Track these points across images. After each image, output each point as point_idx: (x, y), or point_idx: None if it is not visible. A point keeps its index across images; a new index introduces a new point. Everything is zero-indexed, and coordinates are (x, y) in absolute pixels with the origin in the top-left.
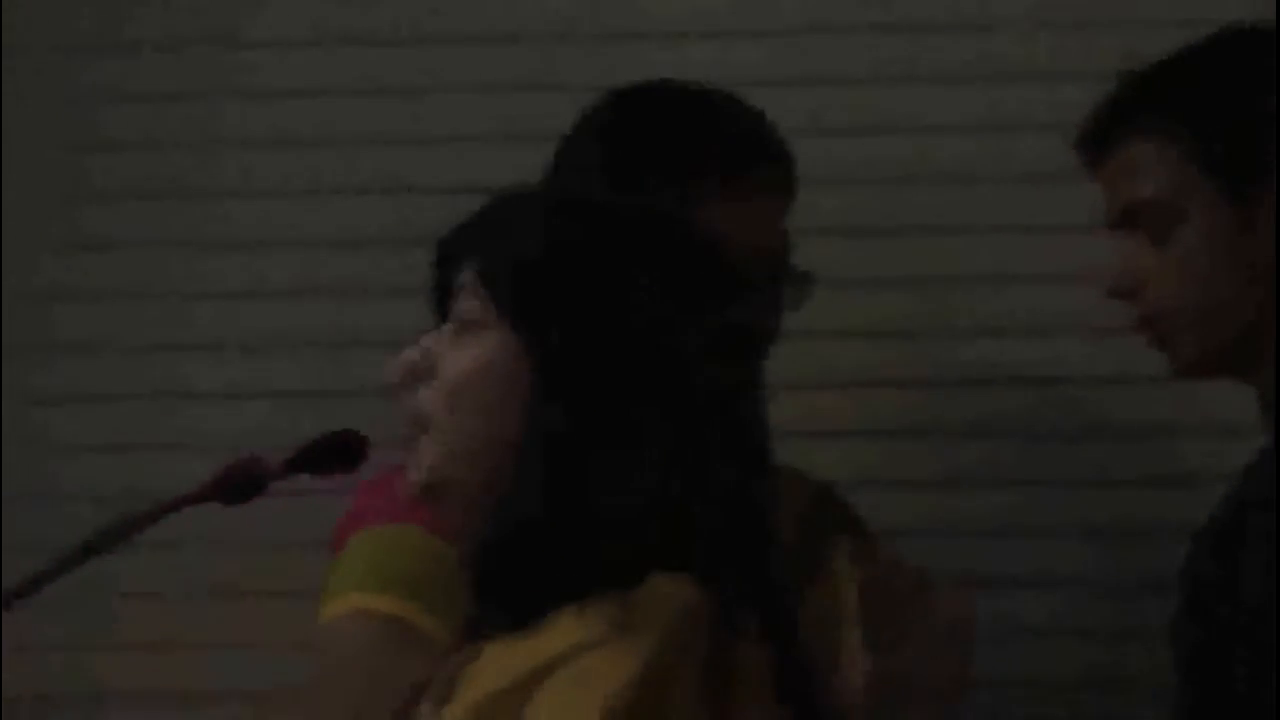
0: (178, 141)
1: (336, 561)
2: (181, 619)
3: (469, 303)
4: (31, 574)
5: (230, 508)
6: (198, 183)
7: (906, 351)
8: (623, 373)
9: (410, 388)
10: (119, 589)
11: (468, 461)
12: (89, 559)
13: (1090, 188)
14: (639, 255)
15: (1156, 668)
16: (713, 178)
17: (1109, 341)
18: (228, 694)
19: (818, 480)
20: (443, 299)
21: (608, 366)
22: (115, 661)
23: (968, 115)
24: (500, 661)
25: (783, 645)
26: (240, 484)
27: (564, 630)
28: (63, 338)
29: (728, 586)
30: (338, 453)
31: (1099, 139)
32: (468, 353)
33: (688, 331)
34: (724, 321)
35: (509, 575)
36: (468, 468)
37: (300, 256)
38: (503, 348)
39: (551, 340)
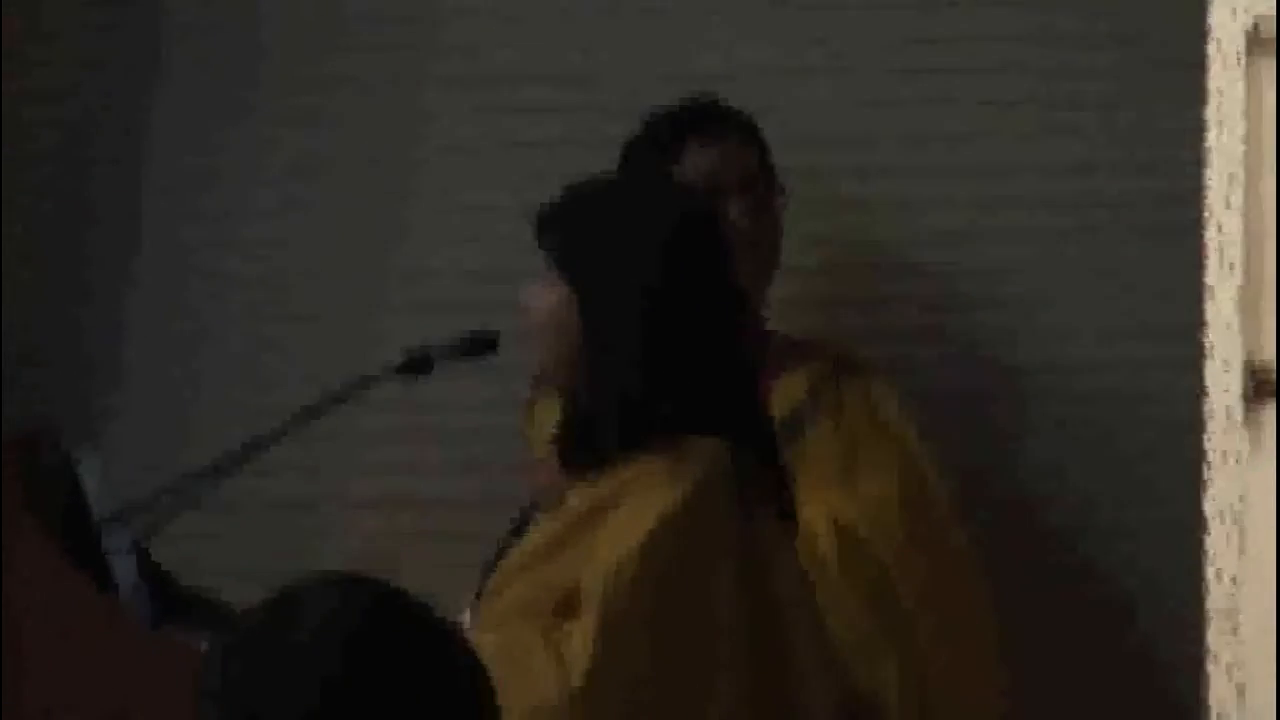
0: None
1: None
2: None
3: (546, 264)
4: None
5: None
6: None
7: None
8: (634, 309)
9: (522, 314)
10: None
11: (554, 366)
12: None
13: None
14: (643, 237)
15: None
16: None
17: None
18: None
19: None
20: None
21: (625, 295)
22: None
23: None
24: (583, 494)
25: (777, 471)
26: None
27: (627, 473)
28: None
29: (740, 441)
30: (482, 343)
31: None
32: (542, 300)
33: (678, 267)
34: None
35: (585, 436)
36: (555, 370)
37: None
38: (560, 298)
39: (589, 287)
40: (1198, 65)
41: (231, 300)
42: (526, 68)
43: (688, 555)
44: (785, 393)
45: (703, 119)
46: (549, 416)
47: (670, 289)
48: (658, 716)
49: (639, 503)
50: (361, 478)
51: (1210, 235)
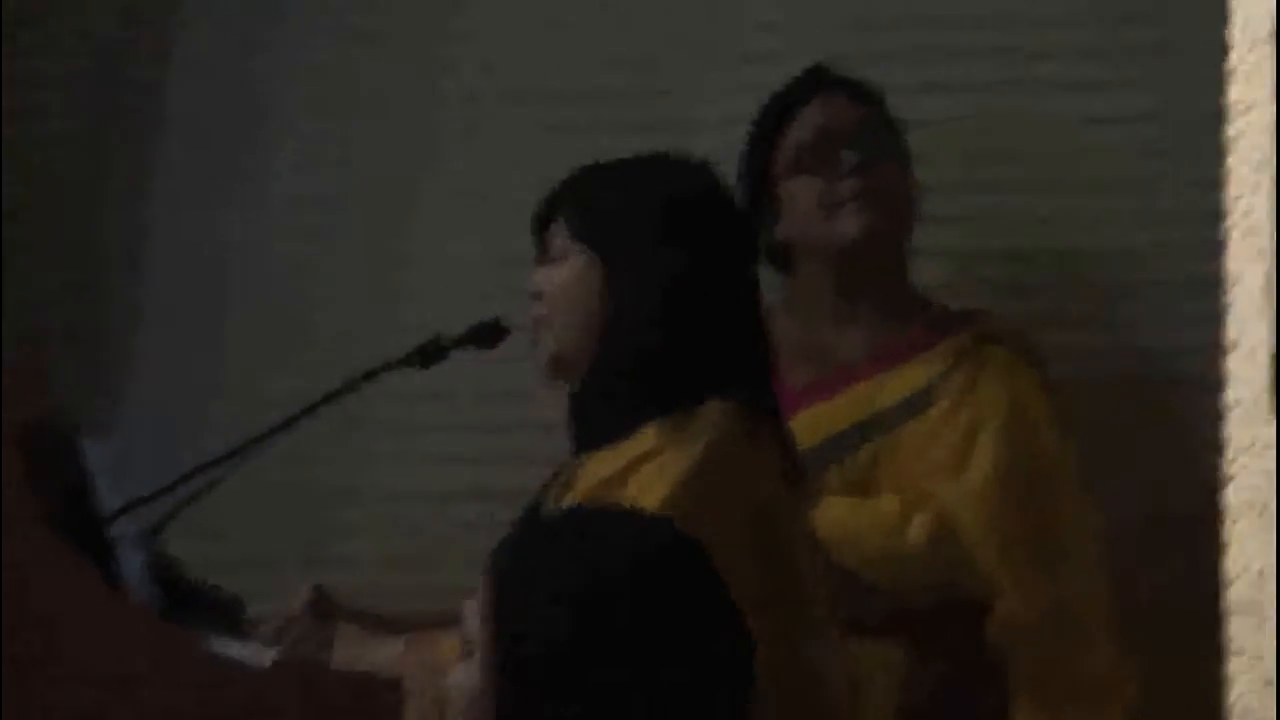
0: None
1: None
2: None
3: (559, 241)
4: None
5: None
6: None
7: None
8: (660, 275)
9: (534, 301)
10: None
11: (572, 340)
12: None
13: None
14: (660, 202)
15: None
16: None
17: None
18: None
19: None
20: (541, 242)
21: (649, 260)
22: None
23: None
24: (601, 463)
25: (785, 442)
26: (429, 352)
27: (644, 440)
28: None
29: (751, 405)
30: (492, 332)
31: None
32: (558, 276)
33: (695, 244)
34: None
35: (594, 411)
36: (572, 345)
37: None
38: (580, 269)
39: (614, 251)
40: (1220, 47)
41: (245, 289)
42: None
43: (704, 520)
44: (926, 365)
45: (815, 81)
46: None
47: (689, 255)
48: None
49: (648, 473)
50: (374, 469)
51: (1235, 220)
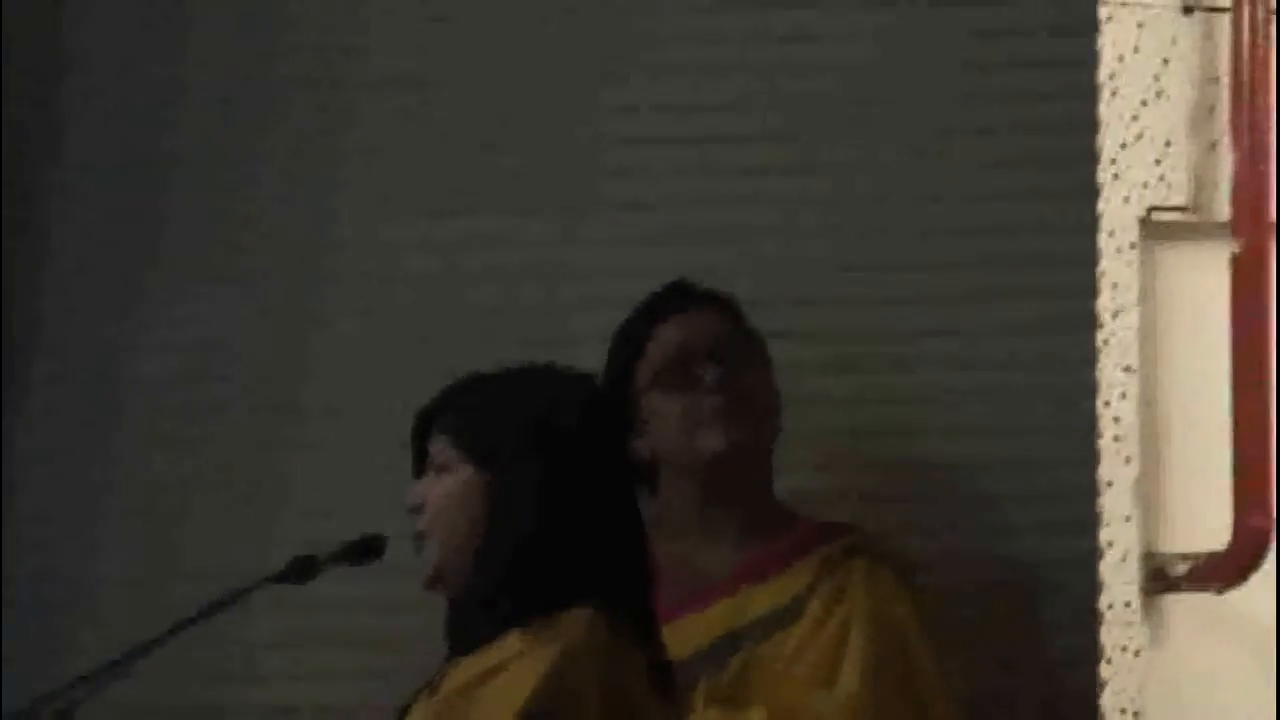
0: None
1: None
2: None
3: (441, 453)
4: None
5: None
6: None
7: None
8: (541, 488)
9: (415, 516)
10: None
11: (453, 551)
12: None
13: None
14: (538, 415)
15: None
16: None
17: None
18: None
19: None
20: (419, 462)
21: (529, 470)
22: None
23: None
24: (465, 669)
25: (655, 649)
26: (303, 569)
27: (505, 646)
28: None
29: (618, 611)
30: (369, 548)
31: None
32: (439, 487)
33: (573, 446)
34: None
35: (468, 618)
36: (453, 556)
37: None
38: (463, 480)
39: (495, 462)
40: (1089, 257)
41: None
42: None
43: None
44: (793, 578)
45: (673, 297)
46: None
47: (564, 468)
48: None
49: (509, 676)
50: (251, 684)
51: (1105, 426)
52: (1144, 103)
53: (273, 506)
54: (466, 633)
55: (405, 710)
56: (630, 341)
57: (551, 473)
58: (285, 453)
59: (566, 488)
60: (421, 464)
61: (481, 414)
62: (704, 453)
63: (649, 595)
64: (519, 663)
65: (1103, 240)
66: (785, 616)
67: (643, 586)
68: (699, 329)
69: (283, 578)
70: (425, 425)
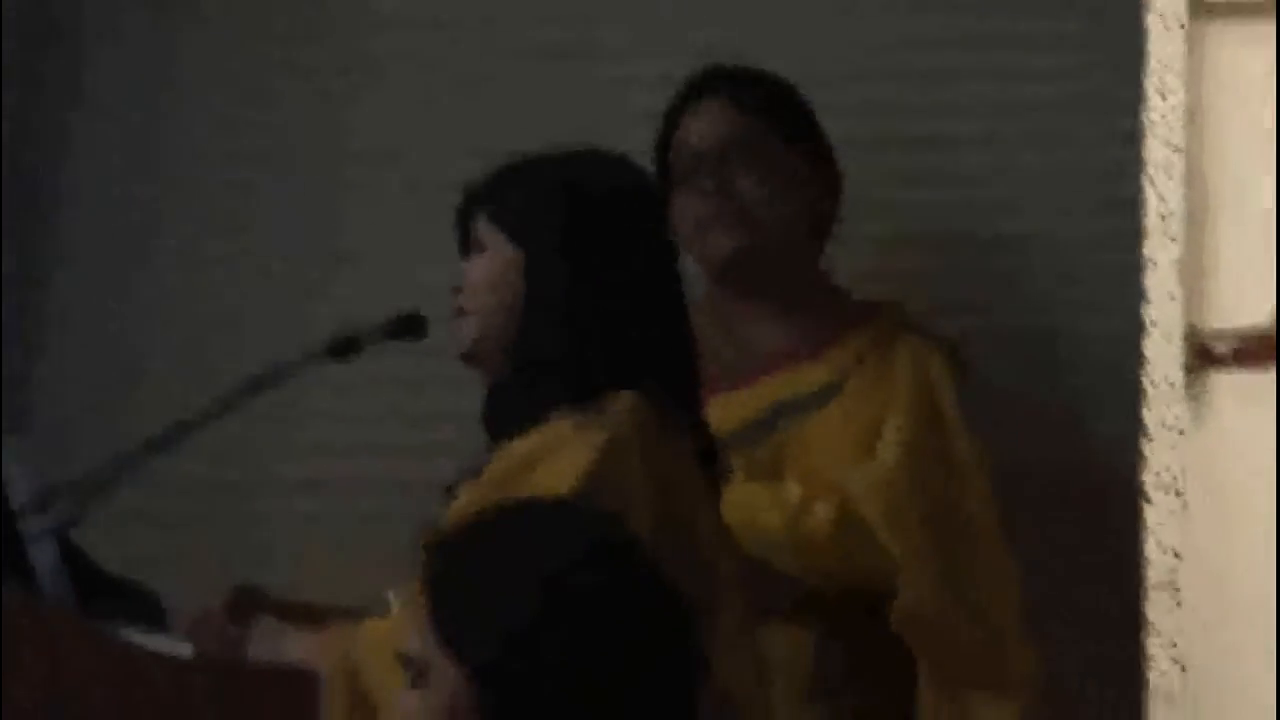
0: None
1: None
2: None
3: (482, 233)
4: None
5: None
6: None
7: None
8: (575, 266)
9: (456, 294)
10: None
11: (490, 331)
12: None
13: None
14: (579, 196)
15: None
16: None
17: None
18: None
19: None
20: (464, 235)
21: (568, 253)
22: None
23: None
24: (510, 454)
25: (700, 431)
26: (343, 346)
27: (551, 431)
28: None
29: (663, 394)
30: (410, 325)
31: None
32: (482, 267)
33: (611, 237)
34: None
35: (508, 402)
36: (490, 336)
37: None
38: (504, 260)
39: (533, 244)
40: (1137, 32)
41: (160, 283)
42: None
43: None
44: (840, 354)
45: (695, 86)
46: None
47: (605, 249)
48: None
49: (556, 462)
50: (292, 460)
51: (1150, 204)
52: None
53: (319, 288)
54: (506, 416)
55: (450, 490)
56: (660, 135)
57: (587, 250)
58: (331, 234)
59: (603, 266)
60: (467, 244)
61: (520, 192)
62: (714, 258)
63: (694, 377)
64: (565, 450)
65: (1150, 20)
66: (830, 392)
67: (687, 369)
68: (704, 128)
69: (325, 355)
70: (470, 205)
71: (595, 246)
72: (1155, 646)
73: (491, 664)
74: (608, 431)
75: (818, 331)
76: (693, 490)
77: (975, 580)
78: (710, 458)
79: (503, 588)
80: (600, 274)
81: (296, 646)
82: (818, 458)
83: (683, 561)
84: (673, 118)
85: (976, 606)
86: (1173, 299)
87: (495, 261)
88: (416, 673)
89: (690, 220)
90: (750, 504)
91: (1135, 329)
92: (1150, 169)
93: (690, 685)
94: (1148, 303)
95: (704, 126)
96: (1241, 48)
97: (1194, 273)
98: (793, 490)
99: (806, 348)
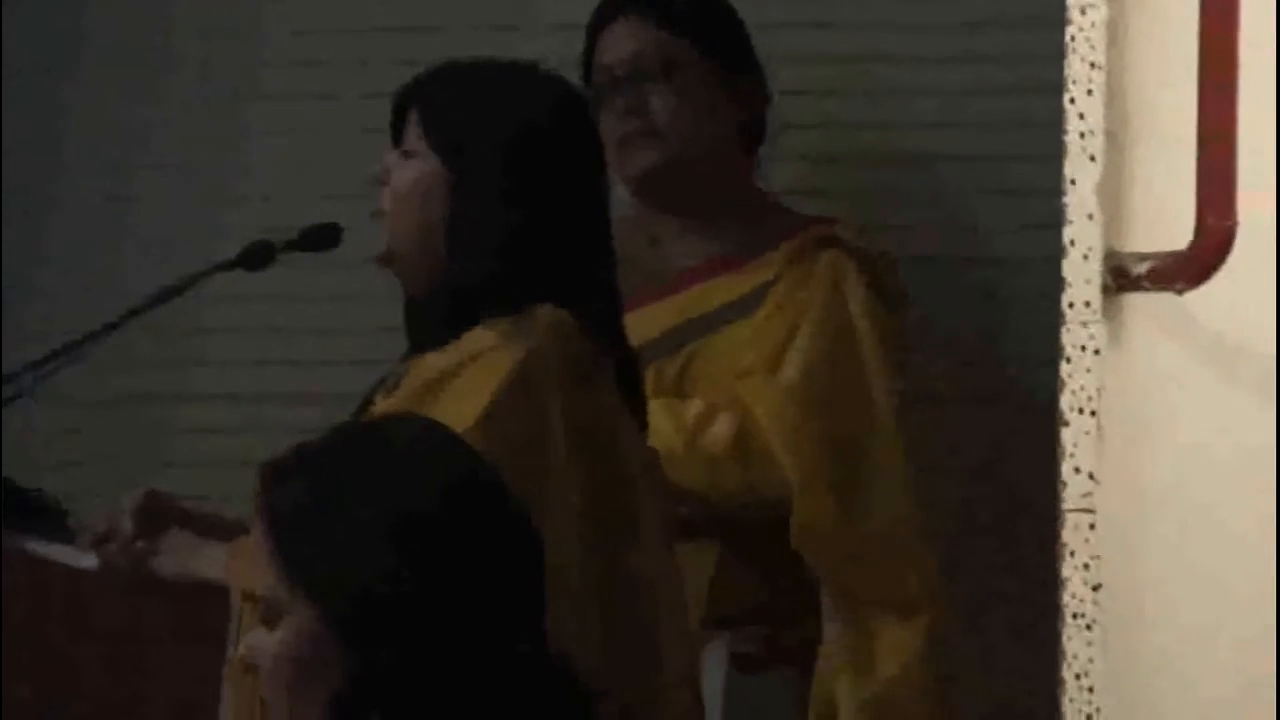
0: None
1: None
2: None
3: (412, 137)
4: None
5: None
6: None
7: None
8: (508, 192)
9: (380, 186)
10: None
11: (407, 240)
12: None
13: None
14: (511, 115)
15: None
16: None
17: None
18: None
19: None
20: (397, 131)
21: (497, 173)
22: None
23: None
24: (429, 364)
25: (621, 348)
26: (257, 255)
27: (470, 342)
28: None
29: (584, 310)
30: (324, 236)
31: None
32: (406, 172)
33: (548, 164)
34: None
35: (429, 314)
36: (407, 244)
37: None
38: (427, 169)
39: (462, 162)
40: None
41: (78, 189)
42: None
43: (525, 426)
44: (763, 267)
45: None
46: None
47: (536, 171)
48: None
49: (476, 373)
50: (202, 371)
51: (1071, 123)
52: None
53: (233, 195)
54: (426, 329)
55: (364, 402)
56: (584, 51)
57: (522, 178)
58: (245, 139)
59: (537, 193)
60: (399, 134)
61: (453, 107)
62: (631, 175)
63: (616, 295)
64: (483, 361)
65: None
66: (747, 305)
67: (609, 286)
68: (618, 46)
69: (237, 263)
70: (403, 102)
71: (531, 174)
72: (1069, 569)
73: (343, 606)
74: (526, 344)
75: (743, 245)
76: (613, 405)
77: (874, 497)
78: (631, 372)
79: (351, 523)
80: (534, 201)
81: (205, 563)
82: (726, 374)
83: (603, 475)
84: (591, 34)
85: (875, 523)
86: (1091, 219)
87: (422, 173)
88: (266, 608)
89: (606, 138)
90: (653, 419)
91: (1055, 250)
92: (1071, 86)
93: (541, 628)
94: (1069, 223)
95: (617, 44)
96: None
97: (1114, 193)
98: (694, 406)
99: (729, 262)
